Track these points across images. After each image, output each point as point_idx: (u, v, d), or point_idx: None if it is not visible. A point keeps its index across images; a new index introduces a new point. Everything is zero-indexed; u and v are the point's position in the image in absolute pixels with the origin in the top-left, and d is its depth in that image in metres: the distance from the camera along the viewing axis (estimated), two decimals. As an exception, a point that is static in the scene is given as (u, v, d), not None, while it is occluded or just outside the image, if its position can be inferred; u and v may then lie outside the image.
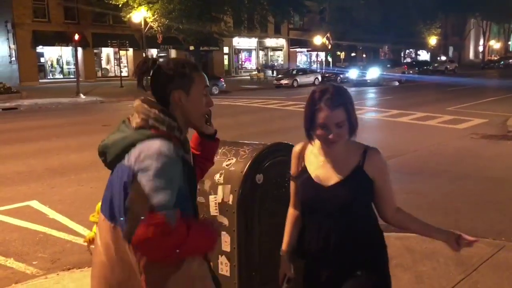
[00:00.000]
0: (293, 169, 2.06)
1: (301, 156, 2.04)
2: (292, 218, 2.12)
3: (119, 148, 1.65)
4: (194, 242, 1.59)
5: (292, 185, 2.08)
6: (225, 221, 2.53)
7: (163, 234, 1.50)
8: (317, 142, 1.97)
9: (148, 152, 1.57)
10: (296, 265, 2.07)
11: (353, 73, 33.06)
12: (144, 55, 31.98)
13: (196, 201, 1.81)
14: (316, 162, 1.98)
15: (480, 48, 73.13)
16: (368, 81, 31.11)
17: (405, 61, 54.77)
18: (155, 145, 1.58)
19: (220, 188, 2.57)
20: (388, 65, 34.87)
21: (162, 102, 1.71)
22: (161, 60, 1.77)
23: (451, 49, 67.67)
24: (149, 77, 1.74)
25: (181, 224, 1.54)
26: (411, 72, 37.54)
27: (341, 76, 34.73)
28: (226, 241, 2.53)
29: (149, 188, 1.53)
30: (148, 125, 1.64)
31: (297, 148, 2.08)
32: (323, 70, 38.58)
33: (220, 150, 2.71)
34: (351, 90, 21.43)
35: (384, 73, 32.31)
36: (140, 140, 1.60)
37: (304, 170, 2.00)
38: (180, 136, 1.67)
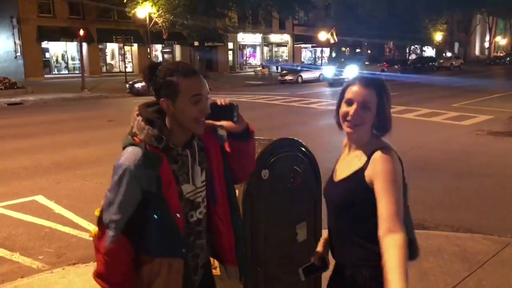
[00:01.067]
0: None
1: (345, 145, 2.01)
2: None
3: (122, 146, 1.79)
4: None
5: None
6: (230, 216, 2.53)
7: (106, 254, 1.74)
8: None
9: (117, 162, 1.72)
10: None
11: (328, 71, 29.97)
12: (148, 51, 32.13)
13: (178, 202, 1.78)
14: (344, 155, 1.98)
15: (486, 44, 72.65)
16: (346, 79, 28.33)
17: (410, 57, 54.58)
18: (124, 155, 1.72)
19: (225, 183, 2.57)
20: (367, 62, 31.97)
21: (161, 107, 1.79)
22: (160, 66, 1.79)
23: (456, 45, 67.28)
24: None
25: (123, 254, 1.73)
26: (398, 68, 35.66)
27: (302, 76, 30.94)
28: (231, 237, 2.54)
29: (104, 201, 1.74)
30: (132, 131, 1.76)
31: (344, 140, 2.02)
32: (279, 66, 36.73)
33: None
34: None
35: (364, 71, 29.48)
36: (124, 146, 1.76)
37: (337, 161, 2.02)
38: (158, 145, 1.71)
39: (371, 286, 1.81)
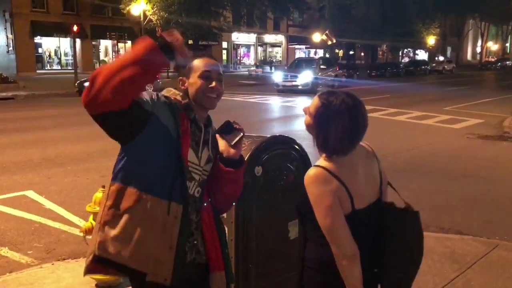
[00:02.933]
0: None
1: None
2: None
3: None
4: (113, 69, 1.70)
5: None
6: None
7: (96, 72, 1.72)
8: None
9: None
10: None
11: (278, 76, 25.18)
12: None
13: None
14: None
15: (478, 49, 73.25)
16: (300, 87, 22.99)
17: (403, 60, 54.88)
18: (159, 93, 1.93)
19: (218, 180, 2.57)
20: (322, 66, 26.54)
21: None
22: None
23: (449, 50, 67.78)
24: None
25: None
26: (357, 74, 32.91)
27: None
28: (223, 233, 2.54)
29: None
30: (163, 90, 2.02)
31: None
32: (273, 66, 35.03)
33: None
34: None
35: (318, 75, 24.60)
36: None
37: None
38: (183, 99, 1.94)
39: None
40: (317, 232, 1.77)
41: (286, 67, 27.43)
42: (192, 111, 1.94)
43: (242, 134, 1.94)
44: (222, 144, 1.96)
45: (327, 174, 1.74)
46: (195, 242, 1.93)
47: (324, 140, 1.78)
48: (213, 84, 1.93)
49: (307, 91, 22.19)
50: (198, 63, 1.96)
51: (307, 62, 28.43)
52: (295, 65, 26.95)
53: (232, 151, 1.94)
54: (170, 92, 1.99)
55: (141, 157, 1.81)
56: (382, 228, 1.87)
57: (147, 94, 1.81)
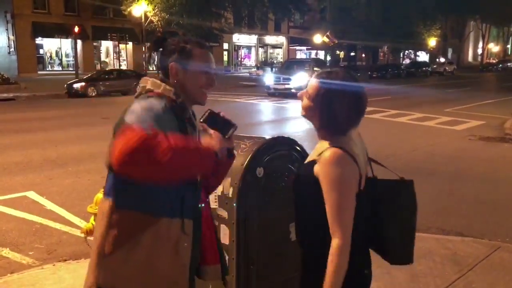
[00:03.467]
0: None
1: None
2: None
3: (120, 116, 1.69)
4: (182, 157, 1.53)
5: None
6: (224, 214, 2.54)
7: (141, 142, 1.46)
8: None
9: (137, 106, 1.66)
10: None
11: (269, 78, 23.37)
12: (143, 49, 32.03)
13: None
14: None
15: (479, 51, 73.26)
16: (293, 90, 20.21)
17: (404, 61, 54.89)
18: (146, 101, 1.67)
19: (220, 181, 2.57)
20: (317, 68, 22.50)
21: (164, 74, 1.80)
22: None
23: (450, 51, 67.77)
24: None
25: (163, 136, 1.52)
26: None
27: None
28: (225, 234, 2.54)
29: (127, 118, 1.62)
30: (144, 90, 1.76)
31: None
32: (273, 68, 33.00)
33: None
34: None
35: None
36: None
37: None
38: (176, 98, 1.73)
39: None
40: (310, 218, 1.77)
41: (276, 69, 24.25)
42: (187, 110, 1.80)
43: (236, 126, 1.83)
44: (216, 136, 1.76)
45: (347, 155, 1.67)
46: None
47: (330, 120, 1.73)
48: (212, 82, 1.83)
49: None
50: (201, 55, 1.80)
51: (299, 63, 26.15)
52: (286, 67, 25.12)
53: (229, 143, 1.82)
54: (160, 87, 1.75)
55: None
56: (377, 204, 1.87)
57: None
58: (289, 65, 25.69)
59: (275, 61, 48.53)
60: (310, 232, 1.81)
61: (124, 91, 21.95)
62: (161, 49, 1.82)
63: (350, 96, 1.74)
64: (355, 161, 1.70)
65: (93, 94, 22.26)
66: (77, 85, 22.24)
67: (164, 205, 1.68)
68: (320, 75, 1.78)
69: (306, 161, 1.85)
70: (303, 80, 20.41)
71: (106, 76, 24.10)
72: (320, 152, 1.72)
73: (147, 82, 1.79)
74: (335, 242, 1.63)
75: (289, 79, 21.54)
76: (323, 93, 1.73)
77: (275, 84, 22.00)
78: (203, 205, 1.87)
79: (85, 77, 23.96)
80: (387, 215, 1.86)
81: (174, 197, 1.69)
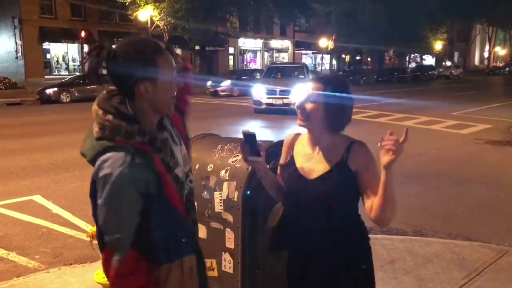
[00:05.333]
0: (282, 158, 2.09)
1: (291, 145, 2.05)
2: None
3: (89, 157, 1.54)
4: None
5: (278, 171, 2.09)
6: (229, 217, 2.53)
7: (118, 276, 1.48)
8: (307, 133, 2.00)
9: (99, 173, 1.47)
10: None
11: (258, 91, 16.66)
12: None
13: (180, 195, 1.62)
14: (303, 154, 1.98)
15: (486, 54, 72.97)
16: (293, 106, 14.29)
17: (410, 65, 54.75)
18: (106, 162, 1.46)
19: (225, 184, 2.57)
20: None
21: (126, 94, 1.55)
22: (113, 46, 1.55)
23: (456, 55, 67.55)
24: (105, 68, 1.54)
25: (137, 268, 1.49)
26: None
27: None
28: (230, 238, 2.53)
29: (101, 220, 1.48)
30: (104, 134, 1.50)
31: (288, 137, 2.10)
32: None
33: (226, 147, 2.72)
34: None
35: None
36: (99, 153, 1.49)
37: (291, 161, 2.01)
38: (143, 139, 1.51)
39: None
40: (353, 211, 1.96)
41: (267, 80, 17.86)
42: (155, 138, 1.56)
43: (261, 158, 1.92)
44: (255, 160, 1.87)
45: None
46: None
47: (340, 114, 1.91)
48: (177, 81, 1.63)
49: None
50: (163, 59, 1.53)
51: (287, 70, 19.70)
52: (269, 74, 19.07)
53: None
54: (121, 132, 1.48)
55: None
56: None
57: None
58: (273, 71, 19.65)
59: (280, 65, 48.56)
60: (351, 223, 1.97)
61: None
62: (106, 62, 1.52)
63: (350, 90, 1.96)
64: None
65: (67, 100, 21.29)
66: (49, 91, 21.30)
67: (160, 252, 1.57)
68: (316, 79, 1.95)
69: (327, 168, 1.90)
70: (305, 92, 14.75)
71: (81, 81, 22.35)
72: (343, 151, 1.88)
73: (104, 123, 1.50)
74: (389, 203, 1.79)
75: (288, 92, 15.92)
76: (329, 90, 1.88)
77: (269, 98, 16.15)
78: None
79: (58, 82, 22.96)
80: None
81: (167, 239, 1.58)
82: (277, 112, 15.55)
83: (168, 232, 1.55)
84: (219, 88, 25.32)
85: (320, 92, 1.87)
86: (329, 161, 1.89)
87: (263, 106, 16.21)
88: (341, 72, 34.93)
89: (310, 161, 1.94)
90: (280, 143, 2.18)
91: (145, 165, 1.47)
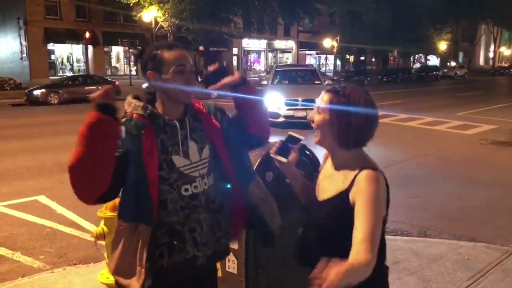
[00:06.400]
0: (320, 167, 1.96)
1: (327, 156, 1.89)
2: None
3: None
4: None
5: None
6: (233, 218, 2.52)
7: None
8: None
9: None
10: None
11: (274, 101, 13.21)
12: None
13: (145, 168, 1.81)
14: (325, 169, 1.87)
15: (491, 55, 72.68)
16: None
17: (414, 66, 54.61)
18: None
19: (229, 185, 2.56)
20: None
21: (147, 82, 1.92)
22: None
23: (461, 55, 67.32)
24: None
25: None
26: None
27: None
28: (234, 239, 2.52)
29: None
30: (124, 110, 1.88)
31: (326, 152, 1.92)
32: None
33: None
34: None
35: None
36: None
37: (319, 174, 1.90)
38: (143, 113, 1.83)
39: None
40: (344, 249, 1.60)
41: (269, 82, 15.73)
42: (159, 117, 1.87)
43: (225, 66, 1.99)
44: (224, 81, 1.89)
45: (382, 175, 1.67)
46: (195, 236, 1.88)
47: (349, 128, 1.68)
48: (189, 79, 1.86)
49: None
50: (170, 56, 1.84)
51: (299, 74, 16.82)
52: (281, 79, 15.97)
53: (233, 78, 1.91)
54: (131, 106, 1.87)
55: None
56: None
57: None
58: (284, 76, 16.22)
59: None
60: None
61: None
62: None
63: (365, 106, 1.70)
64: (385, 179, 1.68)
65: (55, 102, 20.73)
66: (37, 92, 20.82)
67: (126, 209, 1.87)
68: (330, 90, 1.75)
69: (330, 195, 1.74)
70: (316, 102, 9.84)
71: (70, 82, 22.22)
72: (352, 178, 1.67)
73: (125, 102, 1.91)
74: (361, 258, 1.52)
75: (312, 102, 11.28)
76: (340, 101, 1.69)
77: (289, 109, 13.15)
78: (205, 187, 1.92)
79: (46, 83, 22.45)
80: None
81: (134, 201, 1.82)
82: (298, 126, 11.70)
83: (135, 195, 1.80)
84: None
85: (329, 104, 1.70)
86: (336, 186, 1.73)
87: (281, 119, 12.89)
88: (355, 79, 33.69)
89: (326, 180, 1.81)
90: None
91: (134, 129, 1.80)
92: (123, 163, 1.76)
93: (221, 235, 1.97)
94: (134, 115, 1.83)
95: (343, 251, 1.57)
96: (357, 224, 1.59)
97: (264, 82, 16.05)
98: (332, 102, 1.69)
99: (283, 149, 1.85)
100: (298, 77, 16.49)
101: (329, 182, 1.78)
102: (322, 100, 1.73)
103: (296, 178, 1.94)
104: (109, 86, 1.72)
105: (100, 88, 1.95)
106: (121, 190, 1.84)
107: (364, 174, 1.64)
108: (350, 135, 1.68)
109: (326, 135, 1.72)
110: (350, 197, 1.65)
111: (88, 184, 1.74)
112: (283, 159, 1.84)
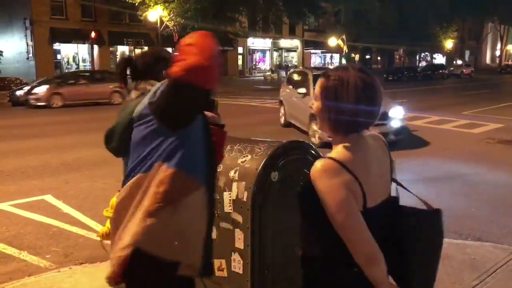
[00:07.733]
0: None
1: None
2: None
3: None
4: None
5: None
6: (239, 218, 2.53)
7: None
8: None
9: None
10: None
11: (396, 113, 10.08)
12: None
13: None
14: None
15: (497, 53, 72.21)
16: (392, 136, 9.41)
17: (420, 64, 54.36)
18: None
19: (234, 185, 2.57)
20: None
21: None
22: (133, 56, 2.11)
23: (467, 53, 66.94)
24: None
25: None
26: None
27: None
28: (239, 238, 2.53)
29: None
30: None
31: None
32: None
33: (235, 147, 2.71)
34: None
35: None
36: None
37: None
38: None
39: None
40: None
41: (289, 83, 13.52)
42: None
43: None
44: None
45: (338, 165, 1.52)
46: None
47: (336, 116, 1.59)
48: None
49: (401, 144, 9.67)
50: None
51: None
52: (291, 78, 13.78)
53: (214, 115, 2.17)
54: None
55: (191, 142, 1.87)
56: (400, 230, 1.71)
57: None
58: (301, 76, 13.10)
59: (289, 65, 48.49)
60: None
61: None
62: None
63: (357, 84, 1.57)
64: (351, 172, 1.53)
65: (36, 104, 19.48)
66: (19, 93, 20.31)
67: (198, 169, 1.87)
68: (324, 73, 1.67)
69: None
70: (401, 113, 10.44)
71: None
72: None
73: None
74: (351, 251, 1.56)
75: (386, 116, 9.51)
76: (327, 89, 1.61)
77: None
78: None
79: (33, 84, 21.40)
80: (412, 246, 1.71)
81: (201, 160, 1.89)
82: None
83: (201, 151, 1.90)
84: None
85: (320, 90, 1.63)
86: None
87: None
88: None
89: None
90: (288, 145, 2.11)
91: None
92: None
93: None
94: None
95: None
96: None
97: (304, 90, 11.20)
98: (323, 87, 1.63)
99: None
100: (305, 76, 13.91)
101: None
102: (317, 86, 1.67)
103: None
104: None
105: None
106: (193, 146, 1.92)
107: (313, 166, 1.54)
108: (341, 121, 1.60)
109: (321, 122, 1.68)
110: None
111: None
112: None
